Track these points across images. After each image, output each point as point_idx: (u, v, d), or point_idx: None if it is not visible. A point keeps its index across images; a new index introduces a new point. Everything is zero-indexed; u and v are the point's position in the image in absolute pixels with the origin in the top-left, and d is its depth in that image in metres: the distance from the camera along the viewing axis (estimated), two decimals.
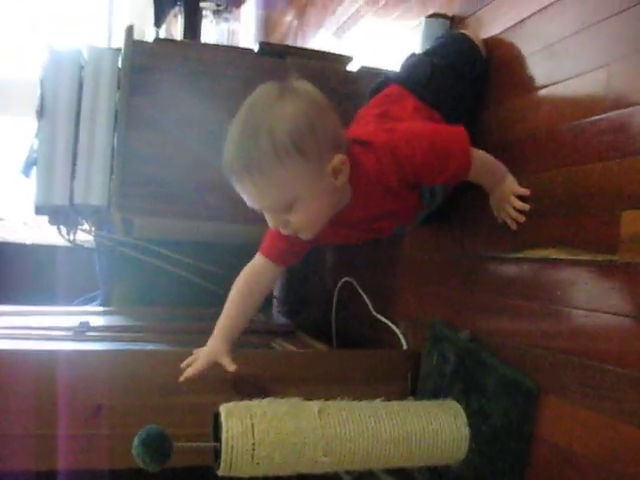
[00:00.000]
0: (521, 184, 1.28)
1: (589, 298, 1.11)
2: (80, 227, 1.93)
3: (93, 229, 1.98)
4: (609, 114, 1.10)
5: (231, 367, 1.27)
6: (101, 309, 2.14)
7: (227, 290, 1.35)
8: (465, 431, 1.35)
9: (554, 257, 1.20)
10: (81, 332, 1.73)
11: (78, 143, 1.61)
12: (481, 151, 1.27)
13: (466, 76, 1.39)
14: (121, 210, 1.56)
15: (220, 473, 1.20)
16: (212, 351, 1.30)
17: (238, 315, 1.34)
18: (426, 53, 1.45)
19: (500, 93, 1.42)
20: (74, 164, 1.61)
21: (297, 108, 1.07)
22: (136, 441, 1.13)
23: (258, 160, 1.05)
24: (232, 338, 1.33)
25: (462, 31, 1.47)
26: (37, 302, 2.17)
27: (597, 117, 1.13)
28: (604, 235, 1.08)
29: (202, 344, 1.65)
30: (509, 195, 1.28)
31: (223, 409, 1.22)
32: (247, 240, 1.29)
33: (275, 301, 2.62)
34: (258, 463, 1.19)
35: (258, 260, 1.33)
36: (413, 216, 1.39)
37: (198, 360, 1.30)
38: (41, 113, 1.60)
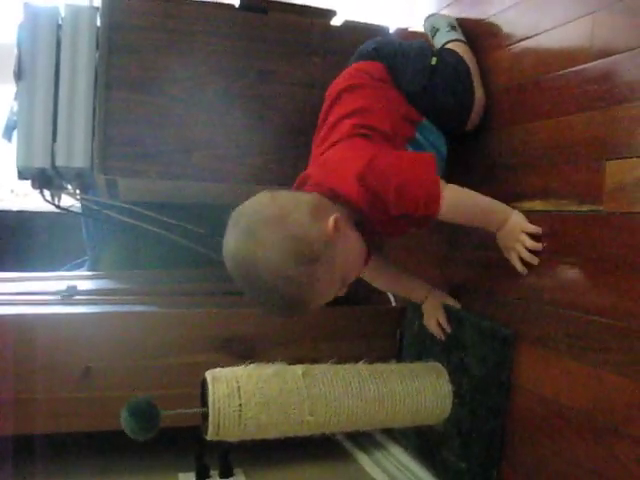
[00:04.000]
0: (506, 138, 1.27)
1: (575, 249, 1.11)
2: (64, 191, 1.91)
3: (78, 192, 1.96)
4: (594, 63, 1.09)
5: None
6: (89, 273, 2.13)
7: (214, 251, 1.34)
8: (448, 388, 1.37)
9: (539, 209, 1.19)
10: (68, 296, 1.72)
11: (58, 104, 1.57)
12: (465, 191, 1.21)
13: (458, 101, 1.35)
14: (104, 171, 1.53)
15: (209, 437, 1.21)
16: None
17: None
18: (424, 53, 1.38)
19: (484, 44, 1.40)
20: (55, 126, 1.58)
21: (278, 239, 1.04)
22: (124, 412, 1.13)
23: (291, 308, 1.10)
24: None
25: (460, 54, 1.39)
26: (24, 269, 2.15)
27: (581, 66, 1.12)
28: (589, 185, 1.08)
29: (190, 306, 1.65)
30: (518, 233, 1.20)
31: (209, 374, 1.23)
32: (233, 200, 1.27)
33: None
34: (245, 425, 1.21)
35: None
36: None
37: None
38: (19, 74, 1.56)
